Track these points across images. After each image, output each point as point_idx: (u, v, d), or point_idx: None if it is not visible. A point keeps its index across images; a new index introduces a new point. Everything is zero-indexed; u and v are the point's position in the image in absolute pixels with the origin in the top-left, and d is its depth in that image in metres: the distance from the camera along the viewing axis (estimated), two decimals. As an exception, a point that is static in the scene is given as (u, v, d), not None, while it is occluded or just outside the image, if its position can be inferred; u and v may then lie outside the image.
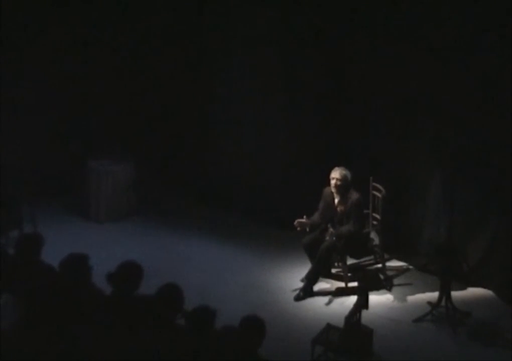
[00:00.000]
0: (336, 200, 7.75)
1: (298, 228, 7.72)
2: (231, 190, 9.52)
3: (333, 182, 7.64)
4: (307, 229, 7.76)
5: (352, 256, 7.96)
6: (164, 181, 10.03)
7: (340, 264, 7.91)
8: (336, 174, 7.61)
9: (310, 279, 7.76)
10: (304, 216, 7.69)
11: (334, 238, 7.63)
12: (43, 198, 9.21)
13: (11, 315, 5.16)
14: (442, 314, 7.31)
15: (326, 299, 7.72)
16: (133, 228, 9.19)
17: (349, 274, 7.82)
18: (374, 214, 8.04)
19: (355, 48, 8.35)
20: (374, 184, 7.97)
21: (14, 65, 9.09)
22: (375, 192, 7.98)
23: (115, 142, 9.64)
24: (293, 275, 8.03)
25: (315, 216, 7.83)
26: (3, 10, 8.90)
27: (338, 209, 7.74)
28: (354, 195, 7.63)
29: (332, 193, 7.74)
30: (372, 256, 8.05)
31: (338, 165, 7.68)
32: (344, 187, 7.62)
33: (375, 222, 8.03)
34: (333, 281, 7.97)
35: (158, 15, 9.65)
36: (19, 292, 5.35)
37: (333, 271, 8.00)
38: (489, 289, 7.85)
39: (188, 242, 8.88)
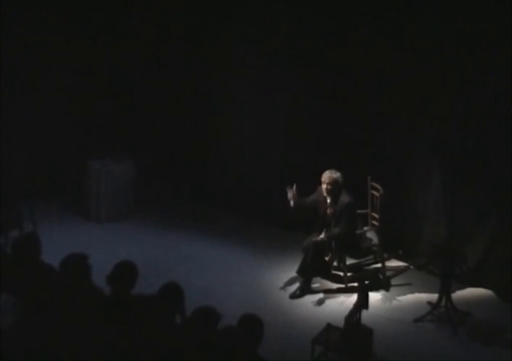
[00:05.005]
0: (328, 201, 7.75)
1: (289, 196, 7.62)
2: (231, 190, 9.53)
3: (323, 186, 7.64)
4: (292, 204, 7.62)
5: (351, 256, 7.96)
6: (164, 181, 10.04)
7: (341, 264, 7.91)
8: (326, 178, 7.60)
9: (304, 276, 7.77)
10: (294, 186, 7.62)
11: (326, 239, 7.66)
12: (43, 198, 9.21)
13: (11, 315, 5.16)
14: (442, 314, 7.31)
15: (325, 298, 7.73)
16: (133, 228, 9.20)
17: (349, 274, 7.83)
18: (372, 214, 8.05)
19: (355, 46, 8.35)
20: (372, 183, 7.98)
21: (14, 66, 9.09)
22: (373, 192, 7.99)
23: (115, 142, 9.64)
24: (293, 275, 8.02)
25: (304, 200, 7.76)
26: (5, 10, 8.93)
27: (328, 211, 7.75)
28: (345, 199, 7.61)
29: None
30: (371, 256, 8.06)
31: (337, 165, 7.69)
32: (335, 190, 7.63)
33: (374, 222, 8.04)
34: (332, 279, 7.99)
35: (159, 14, 9.67)
36: (19, 292, 5.35)
37: (333, 271, 8.01)
38: (489, 289, 7.86)
39: (188, 242, 8.88)
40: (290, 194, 7.63)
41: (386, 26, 8.08)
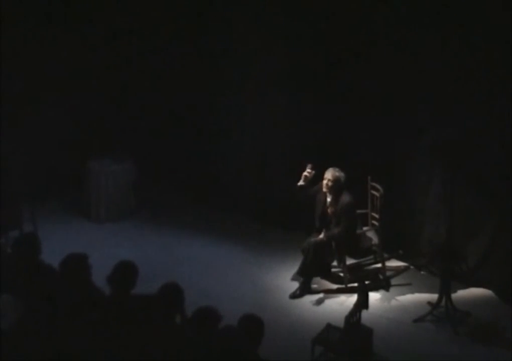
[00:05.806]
0: (328, 200, 7.75)
1: (305, 172, 7.70)
2: (231, 190, 9.53)
3: (324, 182, 7.65)
4: (301, 182, 7.71)
5: (351, 256, 7.96)
6: (164, 181, 10.04)
7: (341, 264, 7.91)
8: (328, 175, 7.63)
9: (304, 276, 7.77)
10: (309, 165, 7.70)
11: (325, 239, 7.66)
12: (43, 198, 9.21)
13: (11, 315, 5.16)
14: (442, 314, 7.32)
15: (325, 298, 7.73)
16: (133, 228, 9.20)
17: (348, 274, 7.83)
18: (372, 214, 8.05)
19: (356, 46, 8.34)
20: (372, 183, 7.98)
21: (15, 67, 9.09)
22: (373, 192, 7.99)
23: (115, 142, 9.64)
24: (293, 275, 8.02)
25: (310, 188, 7.80)
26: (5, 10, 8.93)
27: (328, 210, 7.75)
28: (345, 199, 7.61)
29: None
30: (371, 256, 8.05)
31: (337, 165, 7.69)
32: (335, 188, 7.63)
33: (374, 222, 8.04)
34: (332, 279, 7.98)
35: (160, 14, 9.67)
36: (19, 292, 5.35)
37: (333, 270, 8.01)
38: (489, 289, 7.86)
39: (188, 242, 8.88)
40: (306, 172, 7.67)
41: (386, 26, 8.07)
